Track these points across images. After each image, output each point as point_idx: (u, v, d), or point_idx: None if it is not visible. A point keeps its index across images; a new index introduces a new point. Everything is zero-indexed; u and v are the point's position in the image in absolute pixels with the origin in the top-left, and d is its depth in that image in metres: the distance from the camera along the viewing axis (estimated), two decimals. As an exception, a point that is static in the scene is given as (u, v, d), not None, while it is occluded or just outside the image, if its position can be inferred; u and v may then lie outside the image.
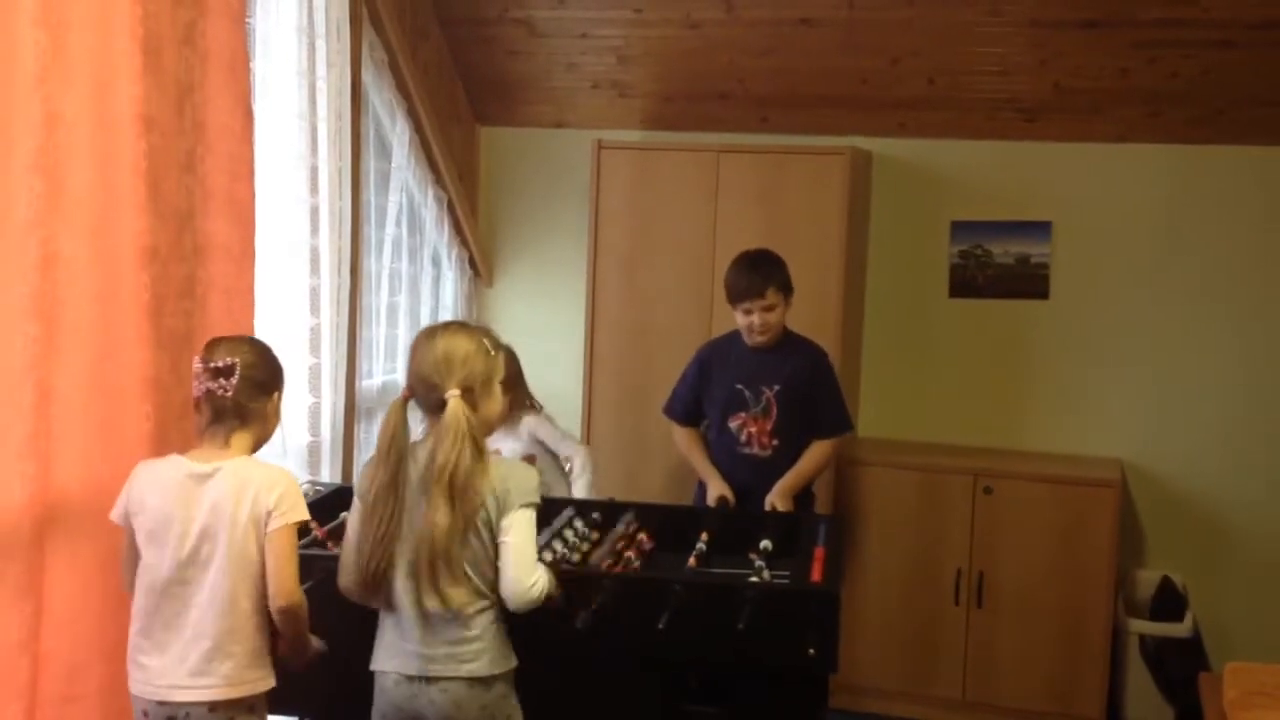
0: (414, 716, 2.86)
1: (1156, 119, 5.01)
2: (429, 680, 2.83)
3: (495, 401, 2.96)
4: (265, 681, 2.86)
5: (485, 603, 2.85)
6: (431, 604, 2.79)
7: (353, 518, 2.92)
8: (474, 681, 2.82)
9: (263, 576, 2.81)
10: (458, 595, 2.80)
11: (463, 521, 2.78)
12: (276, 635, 2.89)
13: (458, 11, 5.24)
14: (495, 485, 2.82)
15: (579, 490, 4.34)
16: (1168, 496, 5.20)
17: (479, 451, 2.82)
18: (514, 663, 2.90)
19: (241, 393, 2.83)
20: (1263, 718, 3.62)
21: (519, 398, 4.36)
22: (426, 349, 2.89)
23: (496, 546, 2.83)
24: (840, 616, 3.08)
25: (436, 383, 2.85)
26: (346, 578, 2.91)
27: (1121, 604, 4.95)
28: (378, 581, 2.84)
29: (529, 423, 4.41)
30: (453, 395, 2.83)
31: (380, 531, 2.82)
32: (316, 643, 2.96)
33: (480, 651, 2.83)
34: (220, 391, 2.82)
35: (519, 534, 2.84)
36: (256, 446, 2.94)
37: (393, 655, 2.88)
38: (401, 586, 2.84)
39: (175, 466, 2.84)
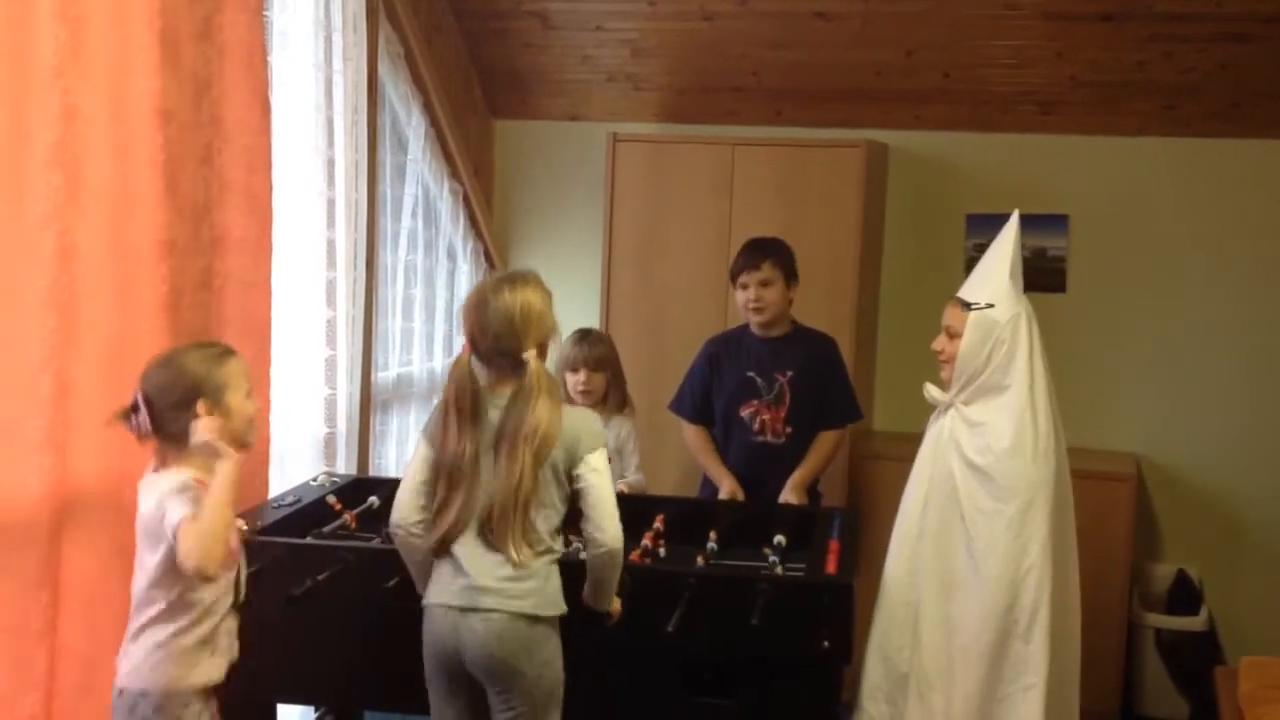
0: (455, 648, 2.87)
1: (1173, 112, 4.99)
2: (474, 610, 2.84)
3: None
4: (183, 679, 2.73)
5: (543, 547, 2.88)
6: (510, 553, 2.82)
7: (420, 467, 2.94)
8: (518, 616, 2.84)
9: (176, 580, 2.69)
10: (528, 549, 2.84)
11: (539, 474, 2.85)
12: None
13: (473, 5, 5.24)
14: (565, 435, 2.88)
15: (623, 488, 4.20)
16: (1183, 491, 5.19)
17: (557, 405, 2.89)
18: (563, 609, 2.92)
19: (164, 421, 2.70)
20: (1278, 712, 3.62)
21: (619, 391, 4.26)
22: (498, 303, 2.91)
23: (561, 493, 2.90)
24: (855, 609, 3.08)
25: (512, 342, 2.89)
26: (407, 520, 2.93)
27: (1136, 598, 4.94)
28: (459, 536, 2.88)
29: (621, 424, 4.22)
30: (531, 355, 2.87)
31: (468, 496, 2.86)
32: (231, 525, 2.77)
33: (530, 591, 2.85)
34: (140, 432, 2.72)
35: (604, 478, 2.92)
36: (230, 443, 2.77)
37: (445, 589, 2.89)
38: (471, 535, 2.87)
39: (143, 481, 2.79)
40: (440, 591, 2.90)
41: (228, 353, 2.83)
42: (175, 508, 2.63)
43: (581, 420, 2.97)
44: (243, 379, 2.81)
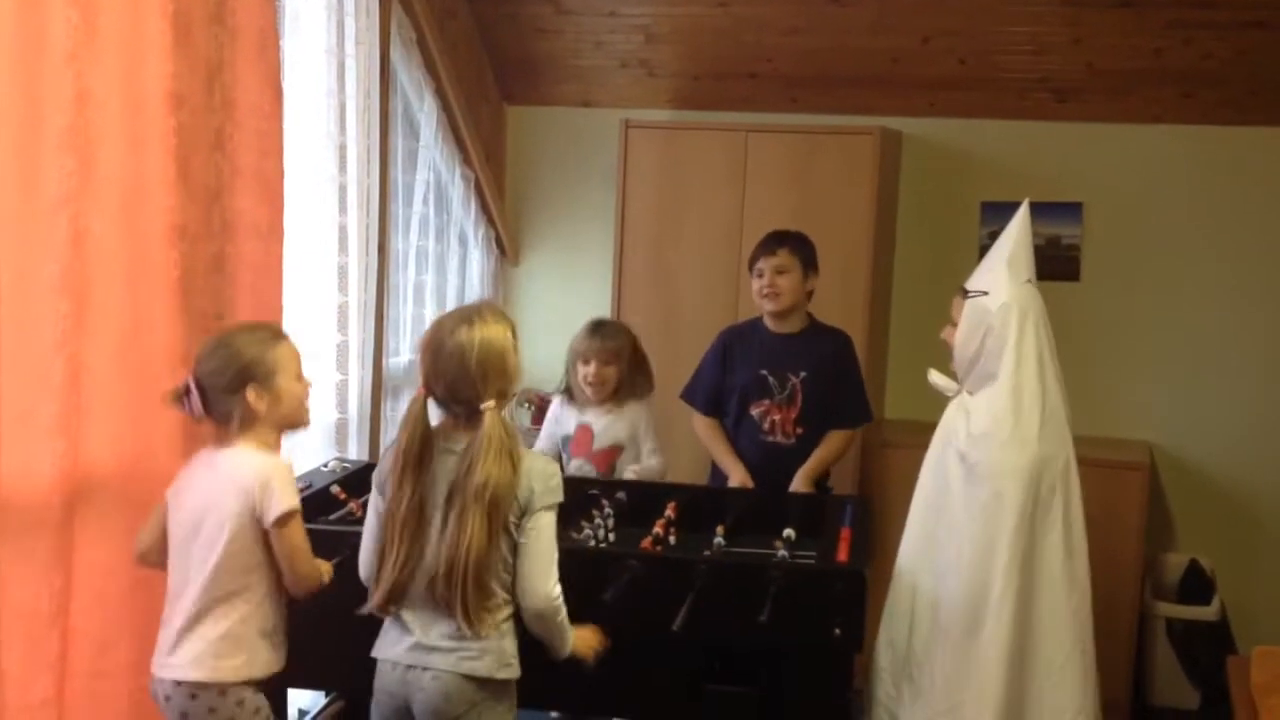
0: (404, 703, 2.79)
1: (1190, 100, 4.97)
2: (424, 668, 2.75)
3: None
4: (238, 670, 2.78)
5: (497, 604, 2.75)
6: (458, 621, 2.69)
7: (375, 520, 2.85)
8: (468, 678, 2.73)
9: (251, 566, 2.78)
10: (483, 614, 2.71)
11: (494, 534, 2.70)
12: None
13: (486, -11, 5.24)
14: (519, 485, 2.72)
15: (630, 474, 4.18)
16: (1196, 480, 5.17)
17: (516, 460, 2.72)
18: (516, 673, 2.80)
19: (214, 403, 2.80)
20: (1291, 703, 3.61)
21: (634, 381, 4.22)
22: (453, 345, 2.72)
23: (515, 545, 2.75)
24: (867, 597, 3.08)
25: (468, 391, 2.71)
26: (370, 573, 2.87)
27: (1149, 587, 4.93)
28: (404, 594, 2.76)
29: (637, 411, 4.22)
30: (489, 406, 2.69)
31: (411, 549, 2.73)
32: (325, 568, 2.94)
33: (483, 651, 2.74)
34: (193, 413, 2.81)
35: (543, 538, 2.75)
36: (282, 427, 2.89)
37: (394, 644, 2.81)
38: (418, 589, 2.75)
39: (200, 457, 2.88)
40: (388, 647, 2.81)
41: (278, 336, 2.92)
42: (288, 498, 2.77)
43: (540, 473, 2.76)
44: (293, 361, 2.89)
